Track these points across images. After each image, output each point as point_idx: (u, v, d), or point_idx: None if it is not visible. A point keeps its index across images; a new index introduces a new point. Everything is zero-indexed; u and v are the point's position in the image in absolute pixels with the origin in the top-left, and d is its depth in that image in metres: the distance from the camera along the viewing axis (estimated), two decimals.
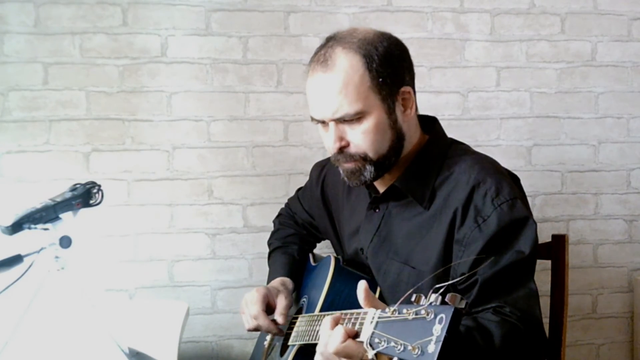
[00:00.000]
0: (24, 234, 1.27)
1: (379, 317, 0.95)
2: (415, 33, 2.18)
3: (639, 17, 2.28)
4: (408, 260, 1.34)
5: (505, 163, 1.40)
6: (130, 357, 1.33)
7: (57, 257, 1.29)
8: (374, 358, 0.94)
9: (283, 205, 1.86)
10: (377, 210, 1.43)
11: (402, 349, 0.86)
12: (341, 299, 1.37)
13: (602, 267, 2.30)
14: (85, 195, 1.31)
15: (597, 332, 2.30)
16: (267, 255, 1.75)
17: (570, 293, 1.53)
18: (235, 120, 2.12)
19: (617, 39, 2.27)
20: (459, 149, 1.39)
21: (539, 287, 1.24)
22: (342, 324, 1.03)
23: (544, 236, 1.38)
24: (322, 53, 1.29)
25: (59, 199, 1.30)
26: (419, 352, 0.83)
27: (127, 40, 2.06)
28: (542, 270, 1.29)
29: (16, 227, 1.26)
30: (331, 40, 1.31)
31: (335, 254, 1.57)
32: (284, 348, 1.46)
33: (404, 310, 0.89)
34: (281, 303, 1.47)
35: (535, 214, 1.33)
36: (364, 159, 1.30)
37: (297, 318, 1.47)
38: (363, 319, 1.01)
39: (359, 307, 1.07)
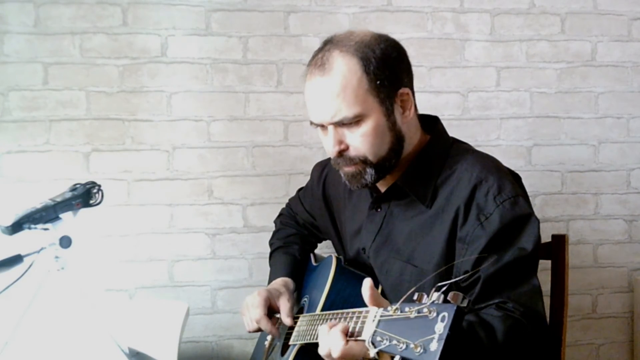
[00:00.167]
0: (24, 234, 1.27)
1: (381, 316, 0.95)
2: (415, 33, 2.18)
3: (639, 17, 2.28)
4: (410, 259, 1.34)
5: (505, 163, 1.40)
6: (130, 357, 1.33)
7: (57, 257, 1.29)
8: (376, 356, 0.94)
9: (283, 205, 1.86)
10: (378, 210, 1.43)
11: (404, 347, 0.86)
12: (342, 299, 1.37)
13: (602, 267, 2.30)
14: (85, 195, 1.31)
15: (597, 332, 2.31)
16: (267, 255, 1.75)
17: (570, 293, 1.53)
18: (235, 120, 2.12)
19: (617, 39, 2.27)
20: (461, 148, 1.40)
21: None
22: (345, 323, 1.03)
23: (544, 236, 1.38)
24: (320, 57, 1.29)
25: (59, 199, 1.30)
26: (421, 350, 0.83)
27: (127, 40, 2.06)
28: (542, 270, 1.29)
29: (16, 227, 1.26)
30: (328, 44, 1.31)
31: (336, 254, 1.57)
32: (285, 348, 1.46)
33: (406, 309, 0.89)
34: (285, 305, 1.47)
35: (536, 214, 1.34)
36: (364, 162, 1.30)
37: (298, 318, 1.47)
38: (365, 317, 1.01)
39: (360, 306, 1.07)
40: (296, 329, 1.43)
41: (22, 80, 2.02)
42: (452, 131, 1.46)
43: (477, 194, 1.26)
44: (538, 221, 1.26)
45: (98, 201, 1.33)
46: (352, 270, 1.46)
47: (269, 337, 1.58)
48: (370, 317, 0.98)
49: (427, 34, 2.19)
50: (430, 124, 1.42)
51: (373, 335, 0.94)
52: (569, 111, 2.26)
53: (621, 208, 2.30)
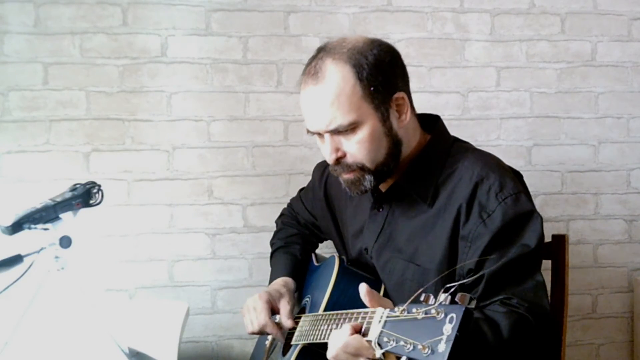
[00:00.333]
0: (24, 234, 1.27)
1: (387, 317, 0.95)
2: (415, 33, 2.18)
3: (639, 17, 2.28)
4: (413, 258, 1.34)
5: (505, 163, 1.40)
6: (130, 357, 1.33)
7: (57, 257, 1.29)
8: (382, 357, 0.94)
9: (284, 205, 1.86)
10: (380, 210, 1.43)
11: (411, 348, 0.86)
12: (345, 299, 1.37)
13: (602, 267, 2.30)
14: (85, 195, 1.31)
15: (597, 332, 2.30)
16: (267, 255, 1.75)
17: (570, 293, 1.53)
18: (235, 120, 2.12)
19: (617, 39, 2.27)
20: (462, 147, 1.40)
21: None
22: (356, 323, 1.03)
23: (544, 236, 1.38)
24: (313, 65, 1.29)
25: (59, 199, 1.30)
26: (429, 352, 0.83)
27: (127, 40, 2.06)
28: (543, 270, 1.29)
29: (16, 227, 1.26)
30: (321, 52, 1.31)
31: (338, 254, 1.57)
32: (287, 348, 1.46)
33: (413, 310, 0.89)
34: (285, 307, 1.47)
35: None
36: (362, 169, 1.30)
37: (299, 318, 1.47)
38: (371, 318, 1.01)
39: (364, 307, 1.07)
40: (298, 329, 1.43)
41: (22, 80, 2.02)
42: (452, 131, 1.46)
43: (479, 191, 1.26)
44: (541, 218, 1.26)
45: (98, 201, 1.33)
46: (354, 271, 1.46)
47: (269, 337, 1.58)
48: (377, 318, 0.98)
49: (427, 34, 2.19)
50: (431, 123, 1.42)
51: (379, 335, 0.93)
52: (569, 111, 2.26)
53: (621, 208, 2.30)
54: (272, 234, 1.80)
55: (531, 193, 1.35)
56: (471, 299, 0.85)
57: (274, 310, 1.48)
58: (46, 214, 1.28)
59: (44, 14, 2.02)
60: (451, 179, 1.32)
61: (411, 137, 1.36)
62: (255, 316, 1.47)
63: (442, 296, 0.87)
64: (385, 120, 1.29)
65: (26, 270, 1.28)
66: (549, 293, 1.53)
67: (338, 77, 1.25)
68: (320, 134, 1.31)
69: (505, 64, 2.23)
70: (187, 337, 2.09)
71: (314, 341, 1.28)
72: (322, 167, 1.70)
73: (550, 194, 2.25)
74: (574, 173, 2.27)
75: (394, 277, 1.37)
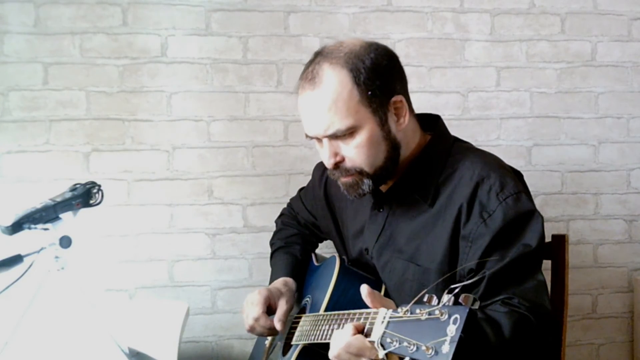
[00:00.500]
0: (24, 234, 1.27)
1: (390, 317, 0.95)
2: (415, 33, 2.18)
3: (639, 17, 2.28)
4: (413, 258, 1.34)
5: (506, 162, 1.40)
6: (130, 357, 1.33)
7: (57, 257, 1.29)
8: (385, 358, 0.94)
9: (284, 205, 1.86)
10: (381, 210, 1.43)
11: (414, 349, 0.86)
12: (346, 299, 1.37)
13: (602, 267, 2.30)
14: (85, 195, 1.31)
15: (597, 332, 2.30)
16: (267, 255, 1.75)
17: (570, 293, 1.53)
18: (235, 120, 2.12)
19: (617, 39, 2.27)
20: (462, 147, 1.40)
21: None
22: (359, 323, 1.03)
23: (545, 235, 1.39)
24: (310, 70, 1.29)
25: (59, 199, 1.30)
26: (433, 353, 0.83)
27: (127, 40, 2.06)
28: (543, 270, 1.29)
29: (16, 227, 1.26)
30: (318, 56, 1.30)
31: (338, 254, 1.57)
32: (287, 347, 1.46)
33: (417, 311, 0.89)
34: (281, 307, 1.47)
35: None
36: (360, 173, 1.30)
37: (300, 318, 1.47)
38: (374, 318, 1.01)
39: (365, 307, 1.06)
40: (299, 328, 1.43)
41: (22, 80, 2.02)
42: (452, 131, 1.46)
43: (480, 191, 1.26)
44: (542, 217, 1.26)
45: (98, 201, 1.33)
46: (355, 271, 1.46)
47: (269, 337, 1.58)
48: (379, 319, 0.98)
49: (427, 34, 2.19)
50: (431, 123, 1.42)
51: (382, 336, 0.93)
52: (569, 111, 2.26)
53: (621, 208, 2.30)
54: (272, 234, 1.80)
55: (531, 193, 1.35)
56: (474, 300, 0.85)
57: (273, 308, 1.48)
58: (46, 214, 1.28)
59: (44, 14, 2.02)
60: (452, 179, 1.31)
61: (410, 139, 1.36)
62: (251, 309, 1.47)
63: (446, 297, 0.87)
64: (383, 124, 1.29)
65: (26, 270, 1.28)
66: (549, 293, 1.54)
67: (335, 82, 1.25)
68: (318, 139, 1.31)
69: (505, 64, 2.23)
70: (187, 337, 2.09)
71: (315, 341, 1.28)
72: (322, 167, 1.69)
73: (550, 194, 2.25)
74: (574, 173, 2.27)
75: (394, 277, 1.37)
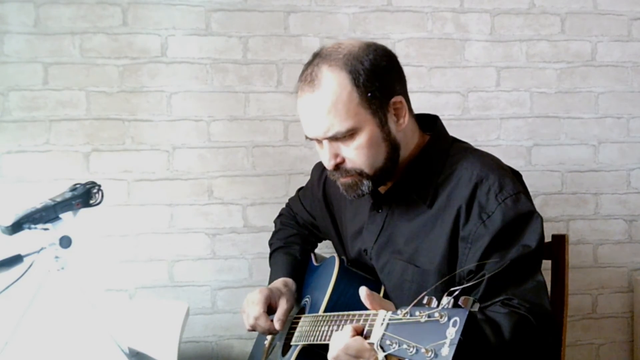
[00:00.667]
0: (24, 234, 1.27)
1: (389, 319, 0.94)
2: (415, 33, 2.18)
3: (639, 17, 2.28)
4: (412, 260, 1.34)
5: (505, 163, 1.40)
6: (130, 357, 1.33)
7: (57, 257, 1.29)
8: None
9: (284, 205, 1.85)
10: (380, 211, 1.43)
11: (414, 351, 0.86)
12: (346, 300, 1.37)
13: (602, 267, 2.30)
14: (85, 195, 1.31)
15: (597, 332, 2.30)
16: (267, 255, 1.75)
17: (570, 293, 1.53)
18: (235, 120, 2.12)
19: (617, 39, 2.27)
20: (461, 147, 1.39)
21: None
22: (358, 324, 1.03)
23: (544, 236, 1.39)
24: (309, 72, 1.28)
25: (59, 199, 1.30)
26: (432, 355, 0.83)
27: (127, 40, 2.06)
28: (543, 270, 1.29)
29: (16, 227, 1.26)
30: (317, 58, 1.30)
31: (337, 255, 1.57)
32: (286, 348, 1.46)
33: (416, 313, 0.89)
34: (282, 307, 1.47)
35: None
36: (360, 174, 1.30)
37: (299, 318, 1.47)
38: (373, 320, 1.01)
39: (364, 308, 1.06)
40: (298, 329, 1.43)
41: (22, 80, 2.02)
42: (452, 131, 1.46)
43: (479, 192, 1.26)
44: (541, 218, 1.26)
45: (98, 201, 1.33)
46: (355, 271, 1.46)
47: (268, 337, 1.58)
48: (379, 320, 0.97)
49: (427, 34, 2.19)
50: (430, 123, 1.42)
51: (382, 338, 0.93)
52: (569, 111, 2.26)
53: (621, 208, 2.30)
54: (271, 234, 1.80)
55: (531, 193, 1.35)
56: (474, 302, 0.85)
57: (273, 308, 1.48)
58: (46, 214, 1.27)
59: (44, 14, 2.02)
60: (450, 180, 1.31)
61: (410, 140, 1.36)
62: (252, 309, 1.47)
63: (445, 299, 0.87)
64: (383, 125, 1.29)
65: (26, 270, 1.28)
66: (549, 293, 1.53)
67: (334, 84, 1.25)
68: (318, 140, 1.31)
69: (505, 64, 2.23)
70: (187, 337, 2.09)
71: (314, 342, 1.28)
72: (321, 167, 1.69)
73: (550, 194, 2.25)
74: (574, 173, 2.27)
75: (393, 278, 1.37)
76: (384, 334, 0.93)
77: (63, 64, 2.04)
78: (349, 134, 1.27)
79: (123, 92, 2.07)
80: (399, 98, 1.31)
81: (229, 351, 2.15)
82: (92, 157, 2.06)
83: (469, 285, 1.18)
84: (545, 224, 1.27)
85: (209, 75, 2.10)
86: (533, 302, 1.17)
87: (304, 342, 1.35)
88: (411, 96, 1.37)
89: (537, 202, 2.19)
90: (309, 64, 1.31)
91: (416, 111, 1.40)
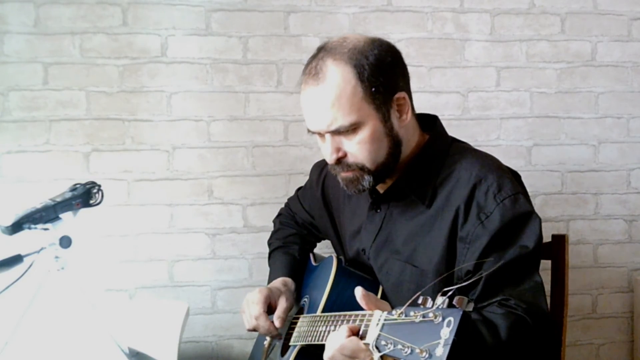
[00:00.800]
0: (24, 234, 1.27)
1: (385, 320, 0.94)
2: (415, 33, 2.18)
3: (639, 17, 2.28)
4: (410, 260, 1.34)
5: (505, 163, 1.40)
6: (130, 357, 1.33)
7: (57, 257, 1.29)
8: None
9: (283, 205, 1.86)
10: (378, 211, 1.43)
11: (409, 351, 0.86)
12: (343, 300, 1.37)
13: (602, 267, 2.30)
14: (85, 195, 1.31)
15: (597, 332, 2.31)
16: (267, 255, 1.75)
17: (570, 293, 1.53)
18: (235, 120, 2.12)
19: (617, 39, 2.27)
20: (460, 147, 1.39)
21: None
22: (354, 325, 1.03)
23: (544, 236, 1.38)
24: (314, 65, 1.28)
25: (59, 199, 1.30)
26: (427, 355, 0.83)
27: (127, 40, 2.06)
28: (542, 270, 1.29)
29: (16, 227, 1.26)
30: (322, 52, 1.30)
31: (336, 254, 1.57)
32: (285, 348, 1.46)
33: (411, 313, 0.89)
34: (281, 305, 1.47)
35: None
36: (362, 169, 1.30)
37: (298, 318, 1.47)
38: (369, 321, 1.01)
39: (362, 308, 1.06)
40: (296, 329, 1.43)
41: (22, 80, 2.02)
42: (452, 131, 1.46)
43: (477, 192, 1.26)
44: (539, 219, 1.26)
45: (98, 201, 1.33)
46: (352, 271, 1.46)
47: (268, 337, 1.58)
48: (374, 321, 0.97)
49: (427, 34, 2.19)
50: (429, 123, 1.42)
51: (377, 339, 0.93)
52: (569, 111, 2.26)
53: (621, 208, 2.30)
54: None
55: (531, 193, 1.35)
56: (469, 302, 0.85)
57: (272, 307, 1.48)
58: (46, 214, 1.28)
59: (44, 14, 2.02)
60: (449, 180, 1.31)
61: (410, 137, 1.36)
62: (252, 309, 1.47)
63: (440, 299, 0.87)
64: (386, 120, 1.29)
65: (26, 270, 1.28)
66: (549, 293, 1.53)
67: (339, 77, 1.25)
68: (320, 134, 1.31)
69: (505, 64, 2.23)
70: (187, 337, 2.09)
71: (313, 342, 1.28)
72: (320, 166, 1.69)
73: (550, 194, 2.25)
74: (574, 173, 2.27)
75: (391, 278, 1.37)
76: (379, 335, 0.93)
77: (63, 64, 2.04)
78: (352, 128, 1.26)
79: (123, 92, 2.07)
80: (402, 94, 1.31)
81: (229, 351, 2.15)
82: (92, 157, 2.06)
83: (467, 286, 1.19)
84: (545, 224, 1.27)
85: (209, 75, 2.10)
86: (530, 303, 1.17)
87: (302, 343, 1.35)
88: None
89: (537, 202, 2.20)
90: (314, 57, 1.30)
91: (416, 111, 1.40)
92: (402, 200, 1.37)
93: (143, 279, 2.09)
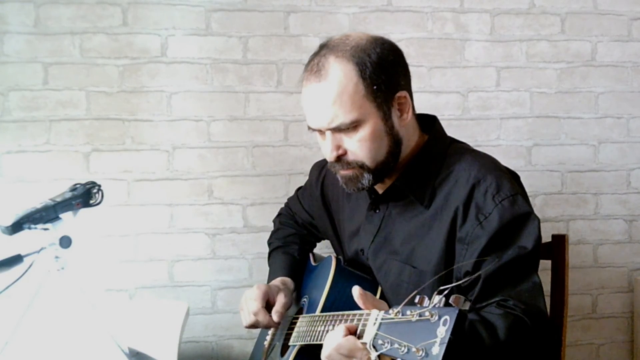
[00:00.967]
0: (24, 234, 1.27)
1: (382, 319, 0.95)
2: (415, 33, 2.18)
3: (639, 17, 2.28)
4: (409, 260, 1.34)
5: (505, 163, 1.40)
6: (130, 357, 1.33)
7: (57, 257, 1.29)
8: (377, 359, 0.94)
9: (283, 205, 1.86)
10: (377, 211, 1.43)
11: (405, 350, 0.86)
12: (342, 300, 1.37)
13: (602, 267, 2.30)
14: (85, 195, 1.31)
15: (597, 332, 2.31)
16: (267, 255, 1.75)
17: (570, 293, 1.53)
18: (235, 120, 2.12)
19: (617, 39, 2.27)
20: (459, 148, 1.39)
21: None
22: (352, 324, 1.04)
23: (544, 236, 1.38)
24: (316, 62, 1.28)
25: (59, 199, 1.30)
26: (423, 354, 0.84)
27: (127, 40, 2.06)
28: (542, 270, 1.29)
29: (16, 227, 1.26)
30: (324, 49, 1.30)
31: (335, 254, 1.57)
32: (285, 348, 1.46)
33: (408, 312, 0.89)
34: (280, 301, 1.47)
35: (535, 214, 1.34)
36: (362, 167, 1.30)
37: (297, 318, 1.47)
38: (366, 320, 1.01)
39: (361, 308, 1.07)
40: (296, 329, 1.43)
41: (22, 80, 2.02)
42: (452, 131, 1.46)
43: (476, 193, 1.26)
44: (538, 219, 1.26)
45: (98, 201, 1.33)
46: (352, 271, 1.46)
47: (268, 337, 1.58)
48: (372, 320, 0.98)
49: (427, 34, 2.19)
50: (428, 123, 1.42)
51: (374, 338, 0.94)
52: (569, 111, 2.26)
53: (621, 208, 2.30)
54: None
55: (531, 193, 1.35)
56: (465, 301, 0.85)
57: (271, 304, 1.48)
58: (46, 214, 1.27)
59: (44, 14, 2.02)
60: (448, 181, 1.31)
61: (410, 137, 1.36)
62: (250, 305, 1.46)
63: (436, 298, 0.87)
64: (387, 119, 1.29)
65: (26, 270, 1.28)
66: (549, 293, 1.53)
67: (341, 75, 1.25)
68: (321, 131, 1.31)
69: (505, 64, 2.23)
70: (187, 337, 2.09)
71: (312, 342, 1.28)
72: (319, 166, 1.69)
73: (550, 194, 2.25)
74: (574, 173, 2.27)
75: (390, 279, 1.37)
76: (376, 334, 0.94)
77: (63, 64, 2.04)
78: (353, 126, 1.27)
79: (123, 92, 2.07)
80: (403, 93, 1.31)
81: (229, 351, 2.15)
82: (92, 157, 2.06)
83: (466, 287, 1.19)
84: (545, 224, 1.27)
85: (209, 75, 2.10)
86: (528, 303, 1.17)
87: (301, 342, 1.35)
88: None
89: (537, 202, 2.20)
90: (316, 54, 1.30)
91: (416, 111, 1.40)
92: (401, 201, 1.37)
93: (143, 279, 2.09)
